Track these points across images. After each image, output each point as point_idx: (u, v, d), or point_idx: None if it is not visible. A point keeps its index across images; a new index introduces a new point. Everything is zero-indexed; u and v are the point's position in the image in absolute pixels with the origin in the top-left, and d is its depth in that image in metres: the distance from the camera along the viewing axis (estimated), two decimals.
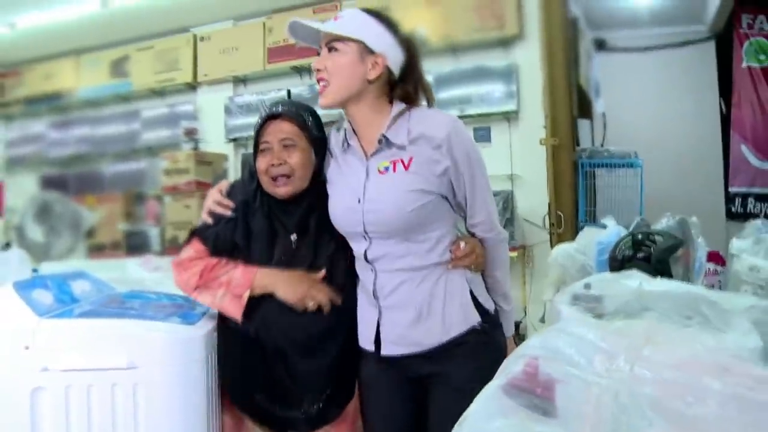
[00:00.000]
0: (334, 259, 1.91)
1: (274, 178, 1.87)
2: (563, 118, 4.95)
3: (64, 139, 7.77)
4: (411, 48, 1.88)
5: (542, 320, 3.98)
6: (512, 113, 5.50)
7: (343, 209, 1.84)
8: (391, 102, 1.85)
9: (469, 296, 1.82)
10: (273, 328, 1.87)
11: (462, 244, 1.83)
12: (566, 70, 5.05)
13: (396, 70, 1.85)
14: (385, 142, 1.81)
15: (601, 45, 7.57)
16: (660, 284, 1.93)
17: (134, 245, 6.69)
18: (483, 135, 5.63)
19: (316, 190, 1.91)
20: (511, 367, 1.22)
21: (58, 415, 1.75)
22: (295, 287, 1.85)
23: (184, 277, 1.91)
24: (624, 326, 1.31)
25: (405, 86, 1.85)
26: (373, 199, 1.78)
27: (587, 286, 1.93)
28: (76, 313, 1.85)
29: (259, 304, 1.88)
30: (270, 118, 1.89)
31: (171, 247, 6.17)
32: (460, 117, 5.54)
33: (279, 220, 1.92)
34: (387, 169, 1.79)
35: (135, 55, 7.08)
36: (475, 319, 1.80)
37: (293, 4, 6.25)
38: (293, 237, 1.91)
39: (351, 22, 1.80)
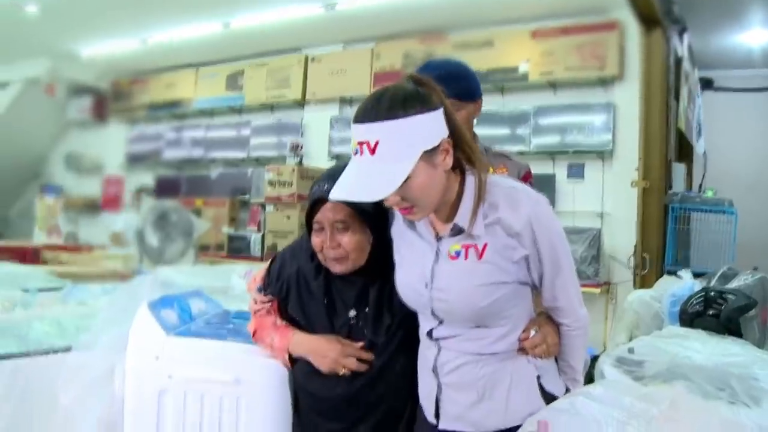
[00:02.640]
0: (392, 332, 1.81)
1: (329, 258, 1.77)
2: (656, 162, 5.01)
3: (179, 141, 8.42)
4: (445, 105, 1.54)
5: None
6: (607, 152, 5.59)
7: (410, 290, 1.67)
8: (456, 169, 1.59)
9: (537, 384, 1.66)
10: (303, 390, 1.92)
11: (532, 332, 1.64)
12: (663, 116, 5.12)
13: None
14: (457, 227, 1.58)
15: (707, 84, 7.49)
16: (713, 348, 2.06)
17: (236, 249, 7.16)
18: (576, 171, 5.75)
19: (377, 259, 1.78)
20: (526, 428, 1.51)
21: (177, 415, 2.09)
22: (323, 357, 1.81)
23: (249, 324, 2.04)
24: (653, 392, 1.48)
25: (460, 150, 1.57)
26: (442, 288, 1.59)
27: (631, 350, 2.08)
28: (193, 330, 2.18)
29: (297, 363, 1.93)
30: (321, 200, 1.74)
31: (270, 253, 6.54)
32: (556, 152, 5.91)
33: (338, 292, 1.84)
34: (458, 254, 1.59)
35: (249, 71, 7.59)
36: (539, 407, 1.65)
37: (401, 32, 6.54)
38: (352, 313, 1.82)
39: (394, 146, 1.44)
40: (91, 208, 9.45)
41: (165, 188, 8.48)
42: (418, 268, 1.64)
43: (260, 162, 7.46)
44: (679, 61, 5.66)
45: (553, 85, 5.93)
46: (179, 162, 8.42)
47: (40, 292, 3.21)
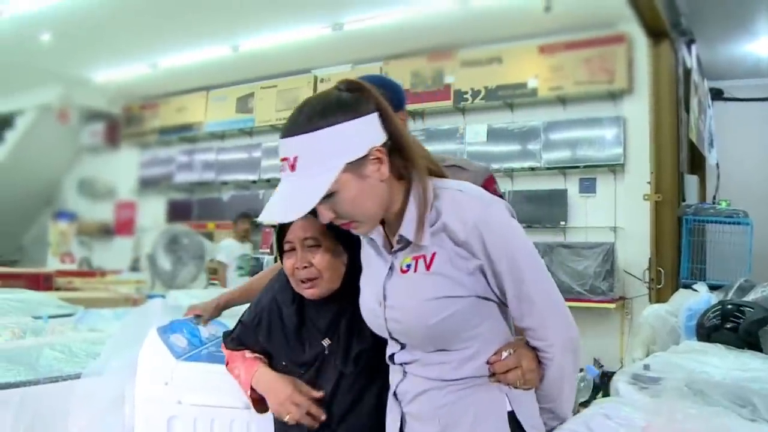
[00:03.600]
0: (363, 363, 1.64)
1: (302, 281, 1.62)
2: (668, 175, 4.98)
3: (191, 164, 8.46)
4: (382, 109, 1.37)
5: None
6: (618, 166, 5.56)
7: (367, 310, 1.51)
8: (402, 178, 1.42)
9: (506, 417, 1.40)
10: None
11: (504, 354, 1.38)
12: (674, 127, 5.08)
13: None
14: (404, 239, 1.40)
15: (717, 94, 7.45)
16: (732, 363, 2.01)
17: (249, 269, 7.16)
18: (588, 186, 5.73)
19: (350, 285, 1.61)
20: None
21: None
22: (275, 398, 1.67)
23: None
24: (670, 410, 1.44)
25: (401, 156, 1.40)
26: (394, 306, 1.42)
27: (647, 367, 2.02)
28: (203, 355, 2.16)
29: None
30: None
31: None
32: (568, 167, 5.90)
33: (311, 320, 1.70)
34: (409, 267, 1.41)
35: (259, 93, 7.64)
36: None
37: (409, 51, 6.58)
38: (325, 343, 1.67)
39: (313, 160, 1.31)
40: (105, 233, 9.50)
41: (176, 212, 8.52)
42: (374, 286, 1.48)
43: (272, 183, 7.48)
44: (688, 73, 5.63)
45: (563, 100, 5.92)
46: (191, 185, 8.46)
47: (52, 319, 3.20)
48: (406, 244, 1.40)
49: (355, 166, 1.32)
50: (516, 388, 1.40)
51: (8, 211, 10.16)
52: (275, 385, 1.69)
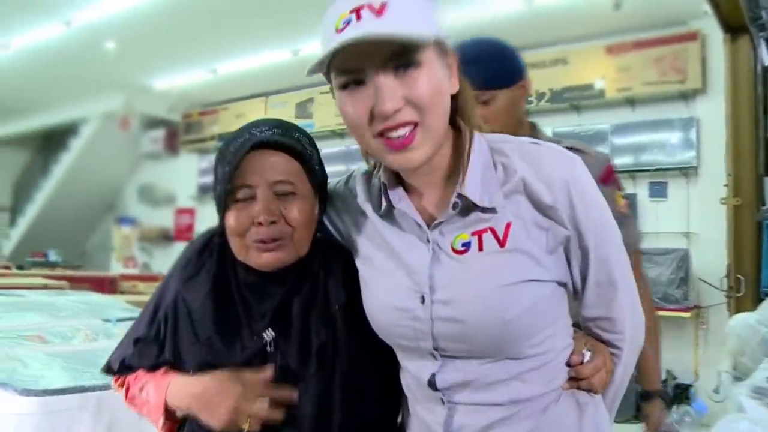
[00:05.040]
0: (329, 358, 1.15)
1: (262, 241, 1.12)
2: (747, 177, 4.73)
3: None
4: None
5: (716, 391, 3.82)
6: (691, 169, 5.34)
7: (393, 313, 1.09)
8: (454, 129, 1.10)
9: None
10: None
11: (586, 355, 1.12)
12: (753, 127, 4.84)
13: None
14: (462, 203, 1.05)
15: None
16: None
17: None
18: (659, 190, 5.52)
19: (307, 258, 1.18)
20: None
21: None
22: (215, 407, 1.10)
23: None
24: None
25: (460, 100, 1.09)
26: (449, 300, 1.04)
27: None
28: None
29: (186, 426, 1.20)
30: (254, 147, 1.11)
31: None
32: (637, 171, 5.71)
33: (244, 305, 1.18)
34: (467, 245, 1.05)
35: (319, 99, 7.61)
36: None
37: None
38: (268, 335, 1.15)
39: (408, 10, 0.98)
40: (164, 238, 9.63)
41: None
42: (404, 276, 1.08)
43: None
44: (767, 70, 5.37)
45: (631, 102, 5.73)
46: None
47: (120, 322, 3.19)
48: (463, 209, 1.05)
49: (440, 50, 1.02)
50: (596, 393, 1.12)
51: (72, 216, 10.42)
52: (207, 388, 1.11)
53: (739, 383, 1.99)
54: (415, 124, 0.99)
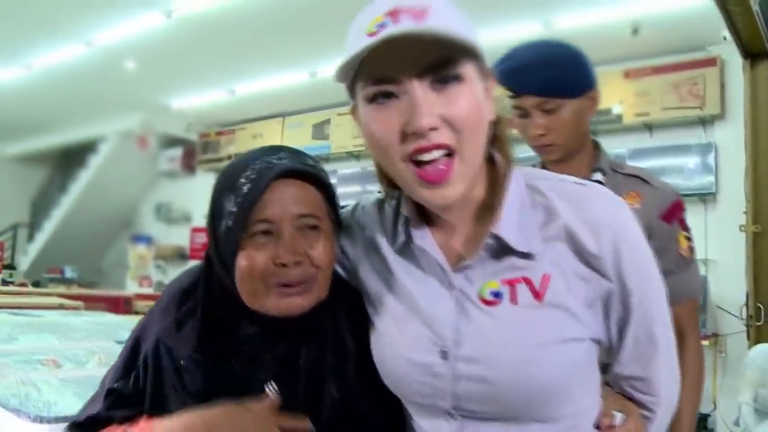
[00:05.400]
0: (341, 411, 1.02)
1: (286, 285, 0.97)
2: (767, 204, 4.69)
3: None
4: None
5: (737, 424, 3.76)
6: (709, 195, 5.30)
7: (405, 365, 0.97)
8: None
9: None
10: None
11: (617, 417, 1.00)
12: None
13: None
14: (495, 246, 0.94)
15: None
16: None
17: None
18: None
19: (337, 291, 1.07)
20: None
21: None
22: None
23: None
24: None
25: (497, 129, 0.97)
26: (477, 358, 0.92)
27: None
28: None
29: None
30: (277, 177, 0.98)
31: None
32: None
33: (243, 356, 1.03)
34: (498, 296, 0.93)
35: (335, 120, 7.64)
36: None
37: None
38: (271, 388, 1.01)
39: (450, 16, 0.87)
40: (179, 257, 9.66)
41: None
42: (422, 326, 0.96)
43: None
44: None
45: (649, 127, 5.71)
46: None
47: None
48: (497, 251, 0.94)
49: (481, 70, 0.91)
50: None
51: (89, 233, 10.50)
52: (214, 424, 0.96)
53: (761, 417, 1.95)
54: (451, 153, 0.87)
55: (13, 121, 10.17)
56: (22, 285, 6.66)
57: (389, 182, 1.01)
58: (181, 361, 1.03)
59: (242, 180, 0.97)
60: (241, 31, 6.20)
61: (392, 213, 1.06)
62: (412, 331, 0.97)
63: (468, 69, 0.88)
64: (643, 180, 1.54)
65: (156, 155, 10.05)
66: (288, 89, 7.49)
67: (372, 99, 0.89)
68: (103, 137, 10.09)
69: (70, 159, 11.38)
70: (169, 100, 8.76)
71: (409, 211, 1.00)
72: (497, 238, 0.93)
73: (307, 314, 1.00)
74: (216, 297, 1.05)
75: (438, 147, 0.86)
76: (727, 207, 5.17)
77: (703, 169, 5.36)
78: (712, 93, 5.30)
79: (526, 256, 0.93)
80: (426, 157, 0.86)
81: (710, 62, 5.34)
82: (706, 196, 5.32)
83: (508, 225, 0.93)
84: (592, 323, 0.94)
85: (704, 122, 5.42)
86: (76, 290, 6.77)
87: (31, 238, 11.73)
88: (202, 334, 1.03)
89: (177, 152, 9.88)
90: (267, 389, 1.00)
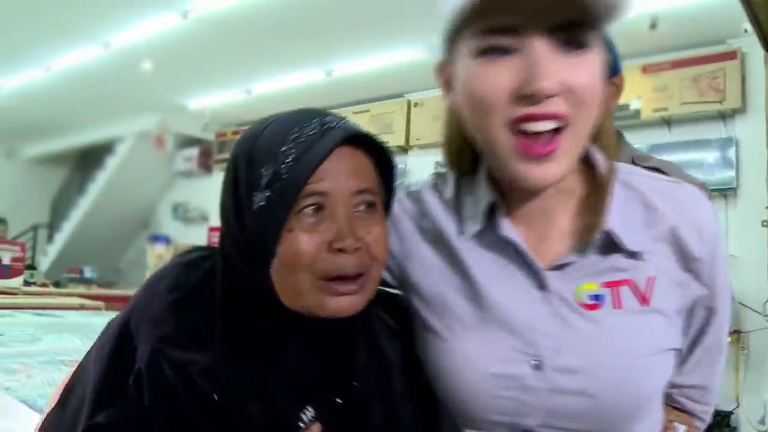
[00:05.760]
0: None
1: (342, 278, 0.78)
2: None
3: None
4: None
5: (762, 422, 3.71)
6: (730, 190, 5.24)
7: (485, 378, 0.83)
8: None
9: None
10: None
11: (681, 430, 0.94)
12: None
13: None
14: (602, 242, 0.84)
15: None
16: None
17: None
18: None
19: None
20: None
21: None
22: None
23: None
24: None
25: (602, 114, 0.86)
26: (579, 368, 0.81)
27: None
28: None
29: None
30: (339, 143, 0.78)
31: None
32: None
33: (284, 367, 0.82)
34: (599, 299, 0.83)
35: (352, 118, 7.54)
36: None
37: None
38: (307, 414, 0.81)
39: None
40: None
41: None
42: (505, 333, 0.84)
43: None
44: None
45: (668, 122, 5.64)
46: None
47: None
48: (600, 251, 0.84)
49: (602, 46, 0.80)
50: None
51: (107, 234, 10.57)
52: None
53: None
54: (560, 129, 0.76)
55: (32, 123, 10.26)
56: (43, 285, 6.71)
57: (461, 163, 0.92)
58: (214, 396, 0.79)
59: (290, 144, 0.78)
60: (257, 30, 6.20)
61: (454, 199, 0.94)
62: (493, 339, 0.84)
63: (597, 39, 0.78)
64: (667, 174, 1.50)
65: (173, 155, 10.08)
66: (304, 88, 7.48)
67: (482, 52, 0.77)
68: (120, 138, 10.15)
69: (88, 160, 11.46)
70: (185, 101, 8.79)
71: (494, 195, 0.87)
72: (606, 234, 0.83)
73: (345, 319, 0.80)
74: (237, 299, 0.84)
75: (552, 117, 0.75)
76: (748, 202, 5.11)
77: (724, 163, 5.29)
78: (733, 87, 5.22)
79: (632, 255, 0.84)
80: (532, 127, 0.75)
81: (730, 55, 5.28)
82: (726, 192, 5.26)
83: (619, 221, 0.84)
84: (681, 331, 0.88)
85: (724, 116, 5.35)
86: (95, 290, 6.81)
87: (50, 238, 11.82)
88: (223, 341, 0.81)
89: (193, 152, 9.91)
90: (303, 416, 0.80)
